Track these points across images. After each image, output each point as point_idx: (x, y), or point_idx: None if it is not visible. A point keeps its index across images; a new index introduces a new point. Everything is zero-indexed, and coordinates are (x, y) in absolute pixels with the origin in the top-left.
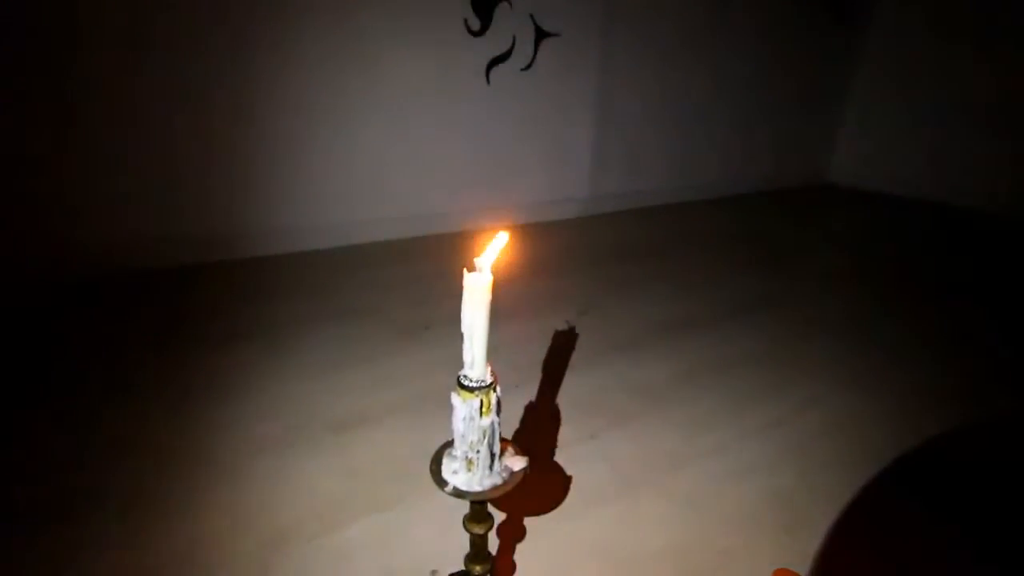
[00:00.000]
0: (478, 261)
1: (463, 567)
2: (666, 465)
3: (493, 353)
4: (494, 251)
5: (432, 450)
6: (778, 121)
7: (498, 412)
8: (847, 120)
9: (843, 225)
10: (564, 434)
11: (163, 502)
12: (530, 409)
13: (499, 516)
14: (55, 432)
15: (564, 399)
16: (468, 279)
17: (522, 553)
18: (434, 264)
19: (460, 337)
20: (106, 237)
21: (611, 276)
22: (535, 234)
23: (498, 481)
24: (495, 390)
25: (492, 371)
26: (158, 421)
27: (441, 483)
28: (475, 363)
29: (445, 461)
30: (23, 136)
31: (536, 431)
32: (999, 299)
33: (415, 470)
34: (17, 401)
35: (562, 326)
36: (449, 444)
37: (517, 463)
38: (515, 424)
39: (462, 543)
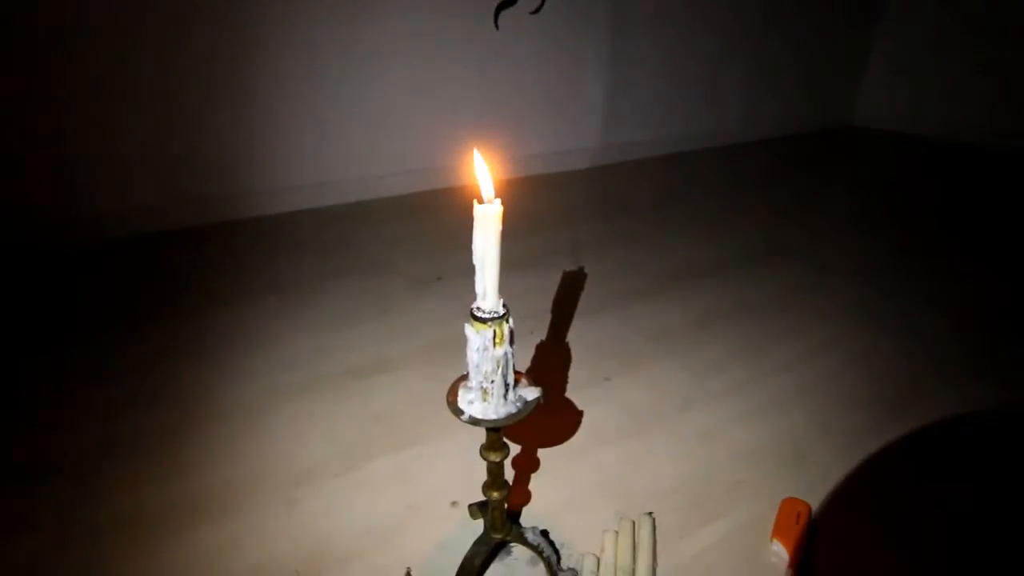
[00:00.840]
0: (486, 192)
1: (482, 496)
2: (678, 406)
3: (509, 302)
4: (483, 173)
5: None
6: (799, 62)
7: (511, 343)
8: (872, 59)
9: (866, 169)
10: (578, 377)
11: (196, 446)
12: (544, 353)
13: (515, 449)
14: (87, 387)
15: (578, 344)
16: (478, 210)
17: (537, 484)
18: (443, 218)
19: (472, 288)
20: (116, 201)
21: (624, 225)
22: (546, 185)
23: (512, 410)
24: (508, 321)
25: (504, 303)
26: (184, 373)
27: (457, 412)
28: (487, 294)
29: (461, 392)
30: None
31: (550, 373)
32: None
33: (433, 413)
34: (46, 359)
35: (575, 275)
36: (464, 377)
37: (531, 393)
38: (530, 366)
39: (483, 477)
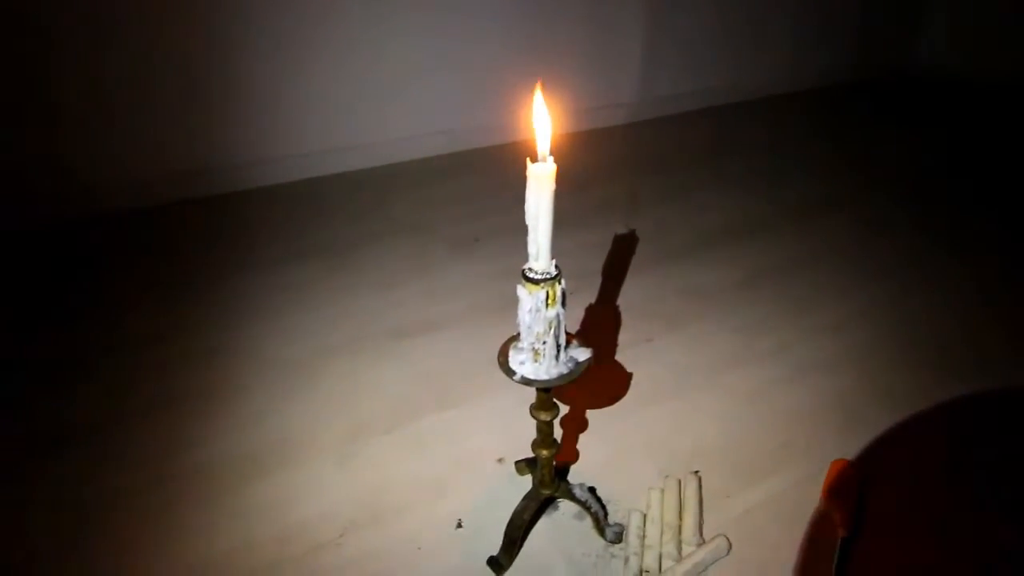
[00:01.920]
0: (541, 149)
1: (531, 454)
2: (723, 366)
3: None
4: (542, 123)
5: (493, 354)
6: (854, 4)
7: (563, 304)
8: (931, 2)
9: (922, 119)
10: (622, 337)
11: (249, 404)
12: (589, 312)
13: (563, 409)
14: (140, 349)
15: (621, 303)
16: (532, 168)
17: (585, 443)
18: (478, 179)
19: (508, 249)
20: (152, 167)
21: (666, 183)
22: (583, 142)
23: (564, 371)
24: (560, 282)
25: (556, 264)
26: (234, 334)
27: (509, 372)
28: (540, 255)
29: (512, 353)
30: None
31: (596, 332)
32: None
33: (478, 372)
34: (101, 323)
35: (617, 233)
36: (515, 338)
37: (582, 354)
38: (575, 327)
39: (527, 435)
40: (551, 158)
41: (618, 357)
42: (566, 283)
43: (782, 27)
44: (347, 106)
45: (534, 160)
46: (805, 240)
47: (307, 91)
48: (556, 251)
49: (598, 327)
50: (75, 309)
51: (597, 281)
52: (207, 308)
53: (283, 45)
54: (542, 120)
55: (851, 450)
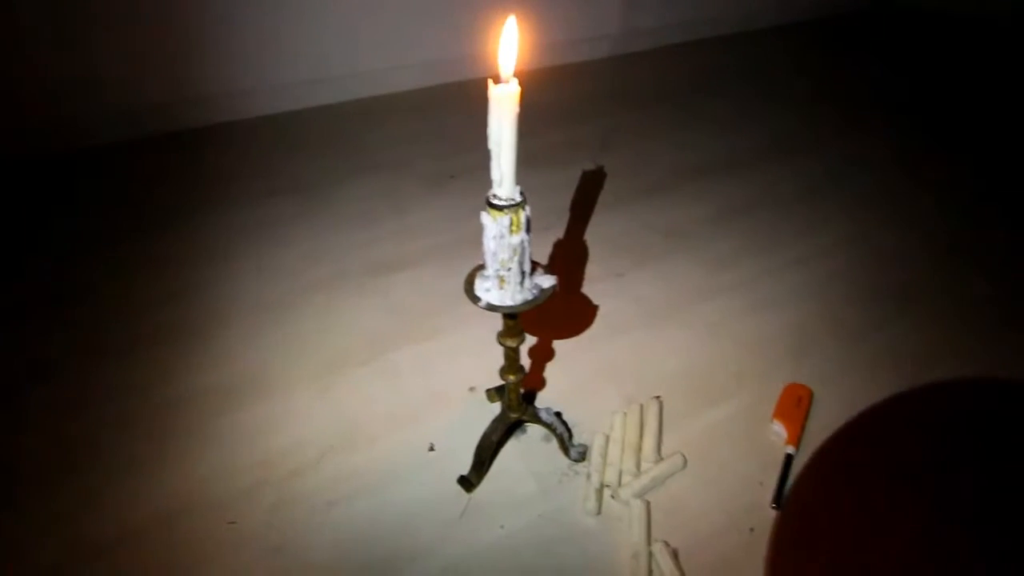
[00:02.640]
0: (505, 69)
1: (499, 382)
2: (689, 299)
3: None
4: (510, 44)
5: None
6: None
7: (527, 230)
8: None
9: (902, 53)
10: (591, 272)
11: (226, 338)
12: (559, 247)
13: (531, 340)
14: (116, 285)
15: (592, 240)
16: (493, 91)
17: (552, 371)
18: (453, 114)
19: (485, 186)
20: (118, 100)
21: (644, 118)
22: (563, 76)
23: (529, 297)
24: (525, 208)
25: (521, 190)
26: (209, 271)
27: (475, 299)
28: (504, 180)
29: (478, 281)
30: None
31: (565, 267)
32: None
33: (451, 306)
34: (70, 261)
35: (592, 171)
36: (482, 266)
37: (547, 280)
38: (546, 262)
39: (498, 365)
40: (515, 80)
41: (589, 291)
42: (541, 219)
43: None
44: (317, 37)
45: (497, 82)
46: (778, 177)
47: (275, 21)
48: (530, 187)
49: (568, 262)
50: (47, 248)
51: (570, 217)
52: (179, 246)
53: None
54: (508, 41)
55: (804, 375)
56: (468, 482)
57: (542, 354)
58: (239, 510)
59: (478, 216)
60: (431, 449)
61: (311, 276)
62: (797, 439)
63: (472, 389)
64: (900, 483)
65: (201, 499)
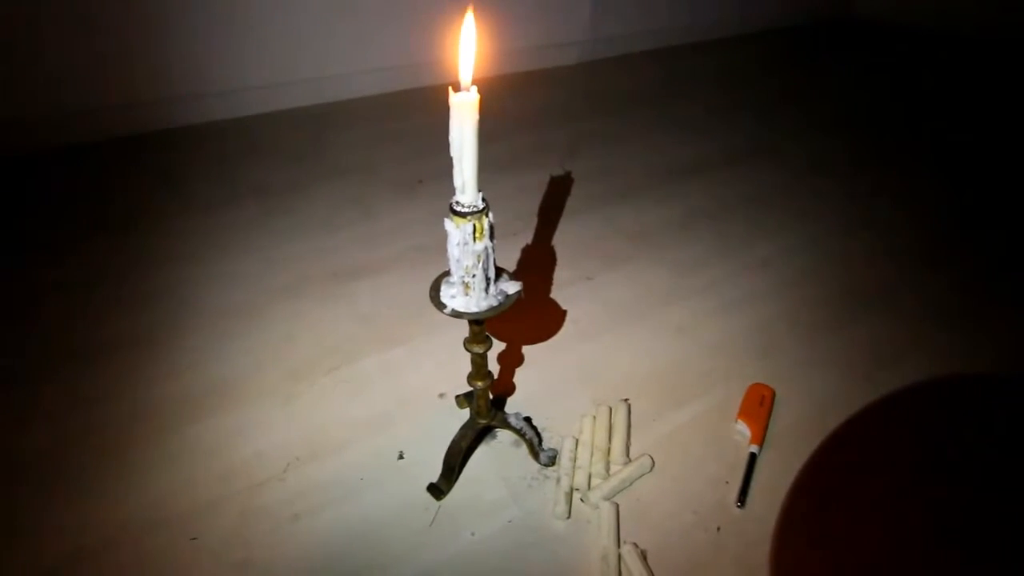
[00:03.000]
0: (463, 77)
1: (468, 388)
2: (657, 301)
3: (492, 204)
4: (467, 49)
5: None
6: None
7: (491, 237)
8: None
9: (862, 63)
10: (561, 276)
11: (189, 347)
12: (528, 253)
13: (501, 346)
14: (73, 293)
15: (561, 244)
16: (454, 98)
17: (522, 377)
18: (420, 119)
19: (454, 190)
20: (73, 104)
21: (612, 124)
22: (533, 82)
23: (494, 303)
24: (488, 215)
25: (483, 196)
26: (171, 277)
27: (440, 306)
28: (466, 187)
29: (443, 287)
30: None
31: (534, 272)
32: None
33: (419, 313)
34: (27, 268)
35: (561, 176)
36: (447, 273)
37: (512, 286)
38: (515, 267)
39: (465, 372)
40: (474, 87)
41: (559, 295)
42: (510, 224)
43: None
44: (282, 41)
45: (457, 89)
46: (744, 181)
47: (240, 25)
48: (500, 193)
49: (536, 266)
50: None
51: (539, 222)
52: (138, 252)
53: None
54: (467, 46)
55: (767, 375)
56: (438, 490)
57: (512, 359)
58: (202, 525)
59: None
60: (400, 457)
61: (276, 282)
62: (761, 438)
63: (441, 395)
64: (895, 484)
65: (161, 515)
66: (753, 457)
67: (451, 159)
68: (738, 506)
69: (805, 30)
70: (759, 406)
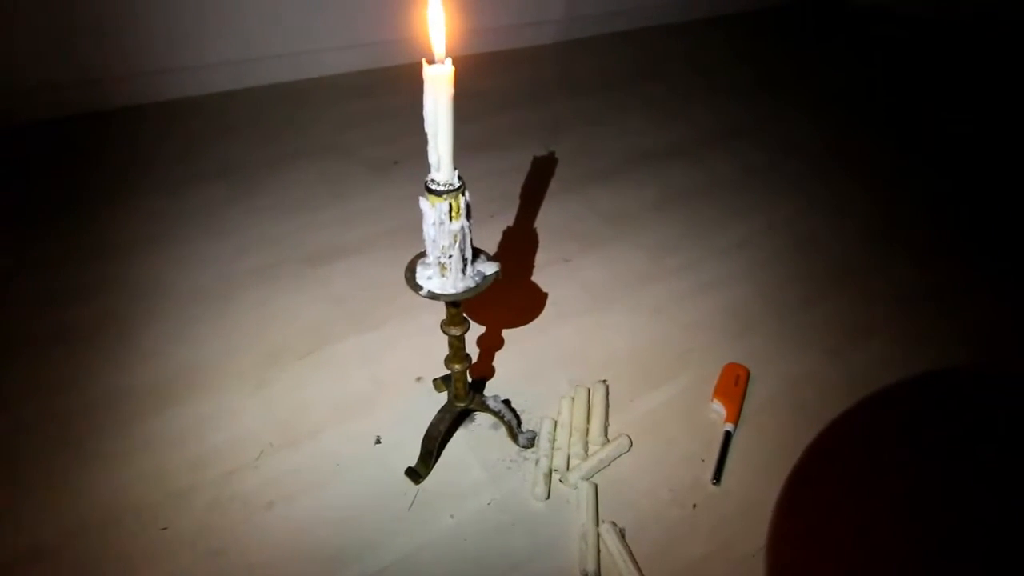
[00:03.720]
0: (437, 49)
1: (446, 371)
2: (635, 283)
3: (468, 185)
4: (436, 23)
5: None
6: None
7: (468, 216)
8: None
9: (837, 45)
10: (539, 258)
11: (155, 333)
12: (507, 236)
13: (480, 329)
14: (34, 277)
15: (539, 226)
16: (428, 71)
17: (501, 359)
18: (396, 97)
19: (430, 169)
20: (28, 78)
21: (588, 105)
22: (508, 62)
23: (471, 284)
24: (464, 193)
25: (459, 174)
26: (136, 261)
27: (416, 288)
28: (442, 164)
29: (419, 268)
30: None
31: (513, 253)
32: (1001, 124)
33: (395, 295)
34: None
35: (537, 157)
36: (423, 254)
37: (489, 267)
38: (493, 249)
39: (444, 354)
40: (449, 59)
41: (536, 277)
42: (486, 205)
43: None
44: (251, 14)
45: (431, 62)
46: (721, 163)
47: None
48: (476, 174)
49: (516, 248)
50: None
51: (517, 204)
52: (104, 234)
53: None
54: (435, 17)
55: (742, 354)
56: (416, 474)
57: (491, 342)
58: (172, 515)
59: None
60: (377, 442)
61: (246, 265)
62: (736, 417)
63: (419, 379)
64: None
65: (128, 506)
66: (728, 436)
67: (427, 138)
68: (713, 483)
69: (779, 11)
70: (734, 385)
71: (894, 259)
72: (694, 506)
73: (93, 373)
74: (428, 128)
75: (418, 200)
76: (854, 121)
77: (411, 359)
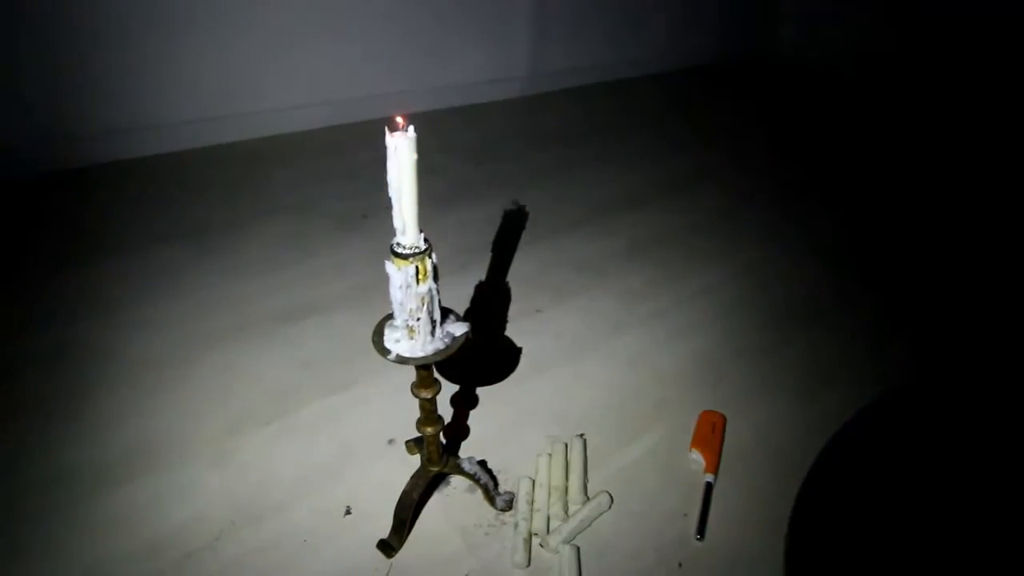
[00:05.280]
0: (399, 120)
1: (417, 433)
2: (607, 333)
3: (434, 239)
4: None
5: None
6: None
7: (435, 278)
8: None
9: (785, 100)
10: (511, 310)
11: (107, 404)
12: (476, 288)
13: (453, 388)
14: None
15: (509, 277)
16: (391, 140)
17: (475, 417)
18: (365, 152)
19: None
20: None
21: (553, 158)
22: (474, 116)
23: (440, 346)
24: (431, 256)
25: (426, 237)
26: (87, 328)
27: (384, 352)
28: (407, 228)
29: (387, 331)
30: None
31: (485, 307)
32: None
33: (363, 354)
34: None
35: (506, 209)
36: (391, 316)
37: (459, 328)
38: (463, 302)
39: (416, 414)
40: (411, 127)
41: (509, 330)
42: (455, 258)
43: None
44: (217, 73)
45: (393, 129)
46: (681, 211)
47: (175, 55)
48: (444, 227)
49: (485, 302)
50: None
51: (486, 256)
52: (54, 299)
53: (149, 4)
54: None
55: (717, 400)
56: (388, 546)
57: (464, 400)
58: None
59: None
60: (347, 513)
61: (208, 328)
62: (715, 466)
63: (391, 442)
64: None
65: None
66: (709, 487)
67: (391, 202)
68: (697, 539)
69: (734, 68)
70: (711, 433)
71: (853, 296)
72: (680, 565)
73: (40, 449)
74: (392, 193)
75: (387, 254)
76: (796, 169)
77: (381, 421)
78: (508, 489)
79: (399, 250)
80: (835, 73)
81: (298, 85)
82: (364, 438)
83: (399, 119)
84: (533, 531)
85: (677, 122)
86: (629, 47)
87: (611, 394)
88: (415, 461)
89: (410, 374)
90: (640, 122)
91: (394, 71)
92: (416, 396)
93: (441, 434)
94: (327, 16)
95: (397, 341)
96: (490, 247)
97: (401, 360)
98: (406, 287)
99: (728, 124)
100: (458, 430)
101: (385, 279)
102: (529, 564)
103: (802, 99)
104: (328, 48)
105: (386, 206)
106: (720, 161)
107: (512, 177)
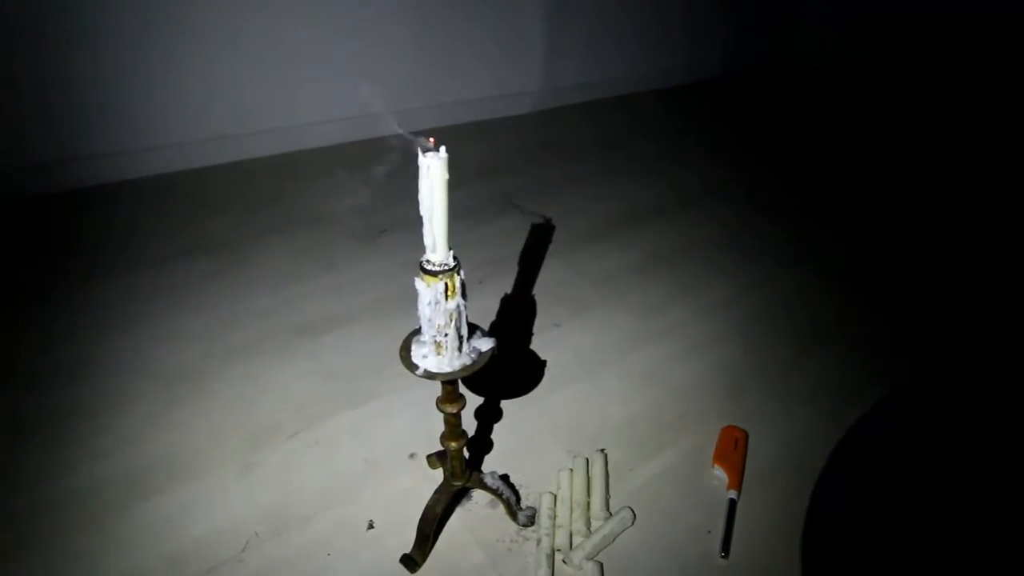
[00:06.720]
0: (431, 140)
1: (440, 447)
2: (624, 347)
3: (457, 252)
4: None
5: None
6: (735, 3)
7: (463, 295)
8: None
9: (798, 109)
10: (529, 325)
11: (135, 417)
12: (498, 302)
13: (478, 400)
14: (7, 362)
15: (527, 291)
16: (423, 160)
17: (498, 432)
18: (382, 167)
19: (418, 239)
20: (15, 156)
21: (566, 172)
22: (489, 131)
23: (467, 362)
24: (459, 273)
25: (454, 254)
26: (115, 341)
27: (412, 367)
28: (437, 246)
29: (414, 347)
30: None
31: (505, 321)
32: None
33: (385, 367)
34: None
35: (522, 223)
36: (417, 331)
37: (485, 343)
38: (483, 316)
39: (439, 428)
40: (443, 147)
41: (531, 344)
42: (473, 272)
43: (672, 22)
44: (239, 91)
45: (425, 150)
46: (695, 224)
47: (193, 73)
48: (462, 241)
49: (508, 315)
50: None
51: (505, 270)
52: (81, 315)
53: (170, 24)
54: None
55: (739, 416)
56: (412, 561)
57: (488, 414)
58: None
59: (413, 269)
60: (370, 527)
61: (231, 341)
62: (738, 483)
63: (412, 456)
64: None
65: None
66: (733, 504)
67: (415, 208)
68: (722, 557)
69: (748, 79)
70: (733, 449)
71: (869, 309)
72: None
73: (68, 463)
74: (424, 211)
75: (406, 268)
76: (820, 179)
77: (404, 435)
78: (530, 504)
79: (428, 267)
80: (843, 82)
81: (316, 102)
82: (386, 452)
83: (430, 139)
84: (556, 547)
85: (687, 135)
86: (639, 63)
87: (631, 409)
88: (436, 475)
89: (432, 388)
90: (653, 136)
91: (409, 88)
92: (441, 411)
93: (464, 448)
94: (344, 35)
95: (425, 356)
96: (505, 262)
97: (429, 375)
98: (435, 303)
99: (738, 137)
100: (481, 444)
101: (405, 292)
102: None
103: (810, 110)
104: (342, 66)
105: (403, 221)
106: (734, 174)
107: (525, 192)
